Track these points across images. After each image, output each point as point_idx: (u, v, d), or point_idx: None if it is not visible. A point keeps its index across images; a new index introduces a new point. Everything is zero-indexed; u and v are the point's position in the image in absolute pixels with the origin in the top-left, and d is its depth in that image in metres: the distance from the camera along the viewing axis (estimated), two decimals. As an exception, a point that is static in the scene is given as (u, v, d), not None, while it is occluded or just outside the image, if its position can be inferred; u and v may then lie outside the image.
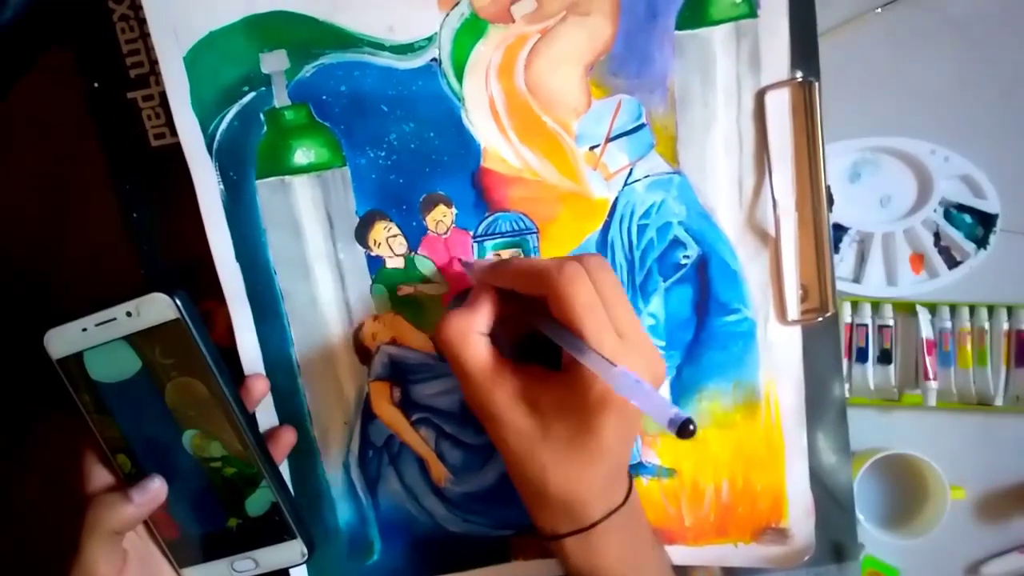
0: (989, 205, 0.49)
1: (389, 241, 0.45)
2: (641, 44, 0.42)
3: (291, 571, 0.48)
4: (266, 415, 0.47)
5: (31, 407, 0.50)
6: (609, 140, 0.43)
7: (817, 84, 0.42)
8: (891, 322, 0.50)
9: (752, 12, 0.42)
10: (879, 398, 0.51)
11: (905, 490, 0.52)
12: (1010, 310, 0.50)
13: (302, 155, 0.44)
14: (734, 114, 0.43)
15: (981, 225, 0.49)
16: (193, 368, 0.40)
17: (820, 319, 0.45)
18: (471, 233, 0.45)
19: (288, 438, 0.46)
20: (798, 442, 0.47)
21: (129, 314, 0.39)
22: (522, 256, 0.45)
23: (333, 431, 0.47)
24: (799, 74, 0.42)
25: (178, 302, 0.39)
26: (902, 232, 0.49)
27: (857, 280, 0.50)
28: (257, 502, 0.43)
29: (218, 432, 0.41)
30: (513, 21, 0.42)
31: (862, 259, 0.50)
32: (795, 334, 0.46)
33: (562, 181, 0.44)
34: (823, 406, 0.47)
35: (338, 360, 0.47)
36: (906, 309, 0.50)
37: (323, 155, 0.44)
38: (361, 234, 0.45)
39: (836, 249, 0.48)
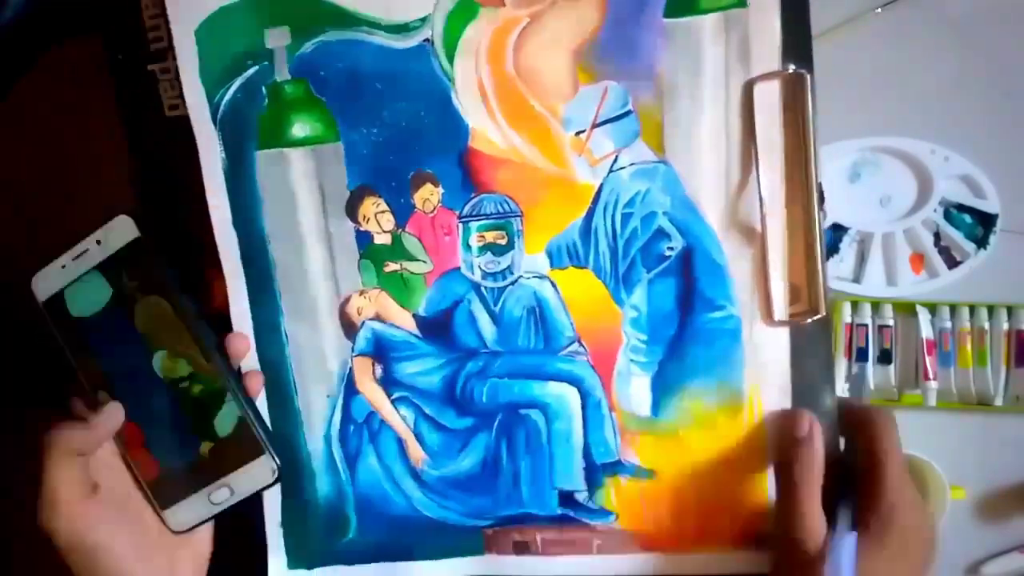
0: (989, 205, 0.48)
1: (377, 217, 0.46)
2: (629, 31, 0.42)
3: (270, 554, 0.49)
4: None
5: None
6: (595, 126, 0.44)
7: (809, 77, 0.41)
8: (891, 322, 0.50)
9: (742, 2, 0.41)
10: (879, 398, 0.50)
11: None
12: (1010, 310, 0.49)
13: (299, 128, 0.45)
14: (722, 105, 0.43)
15: (981, 225, 0.48)
16: (156, 285, 0.43)
17: (809, 321, 0.43)
18: (457, 213, 0.46)
19: (240, 344, 0.46)
20: (783, 449, 0.45)
21: (99, 242, 0.42)
22: (505, 237, 0.45)
23: (316, 403, 0.48)
24: (791, 66, 0.42)
25: (137, 222, 0.42)
26: (902, 232, 0.49)
27: (857, 280, 0.49)
28: (225, 419, 0.44)
29: (184, 349, 0.44)
30: (503, 4, 0.43)
31: (862, 259, 0.49)
32: (783, 336, 0.44)
33: (548, 165, 0.44)
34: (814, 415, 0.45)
35: (324, 333, 0.48)
36: (906, 309, 0.49)
37: (318, 129, 0.45)
38: (351, 208, 0.46)
39: (836, 249, 0.48)
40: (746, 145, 0.43)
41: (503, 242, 0.46)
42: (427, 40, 0.43)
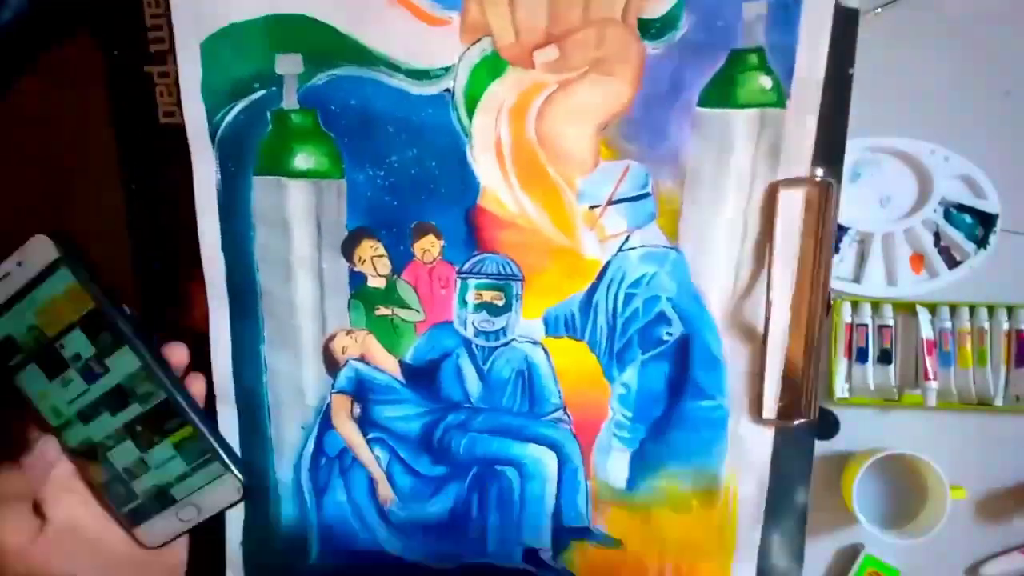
0: (989, 205, 0.48)
1: (374, 260, 0.44)
2: (659, 114, 0.40)
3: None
4: (227, 409, 0.47)
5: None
6: (611, 203, 0.42)
7: (836, 186, 0.40)
8: (891, 322, 0.50)
9: (780, 102, 0.40)
10: (879, 398, 0.50)
11: (905, 490, 0.51)
12: (1010, 310, 0.49)
13: (302, 160, 0.43)
14: (743, 202, 0.41)
15: (981, 225, 0.48)
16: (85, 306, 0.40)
17: (797, 423, 0.43)
18: (456, 268, 0.44)
19: (179, 354, 0.44)
20: (750, 540, 0.46)
21: (20, 264, 0.40)
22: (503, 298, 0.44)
23: (289, 433, 0.47)
24: (819, 172, 0.40)
25: (59, 241, 0.39)
26: (902, 232, 0.49)
27: (857, 280, 0.49)
28: (182, 438, 0.43)
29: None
30: (533, 67, 0.40)
31: (862, 259, 0.49)
32: (767, 433, 0.44)
33: (556, 234, 0.43)
34: (785, 510, 0.45)
35: (305, 366, 0.46)
36: (906, 309, 0.50)
37: (323, 164, 0.43)
38: (347, 248, 0.44)
39: (836, 249, 0.48)
40: (761, 245, 0.42)
41: (500, 303, 0.44)
42: (448, 90, 0.41)
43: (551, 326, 0.44)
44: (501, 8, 0.39)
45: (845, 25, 0.40)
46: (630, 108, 0.41)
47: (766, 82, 0.40)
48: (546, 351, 0.45)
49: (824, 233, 0.41)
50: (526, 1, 0.39)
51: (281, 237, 0.44)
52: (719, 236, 0.42)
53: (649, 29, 0.40)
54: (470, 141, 0.42)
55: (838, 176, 0.40)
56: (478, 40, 0.40)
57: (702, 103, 0.40)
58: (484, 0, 0.39)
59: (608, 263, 0.43)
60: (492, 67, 0.41)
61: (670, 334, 0.44)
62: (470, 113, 0.41)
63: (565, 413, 0.46)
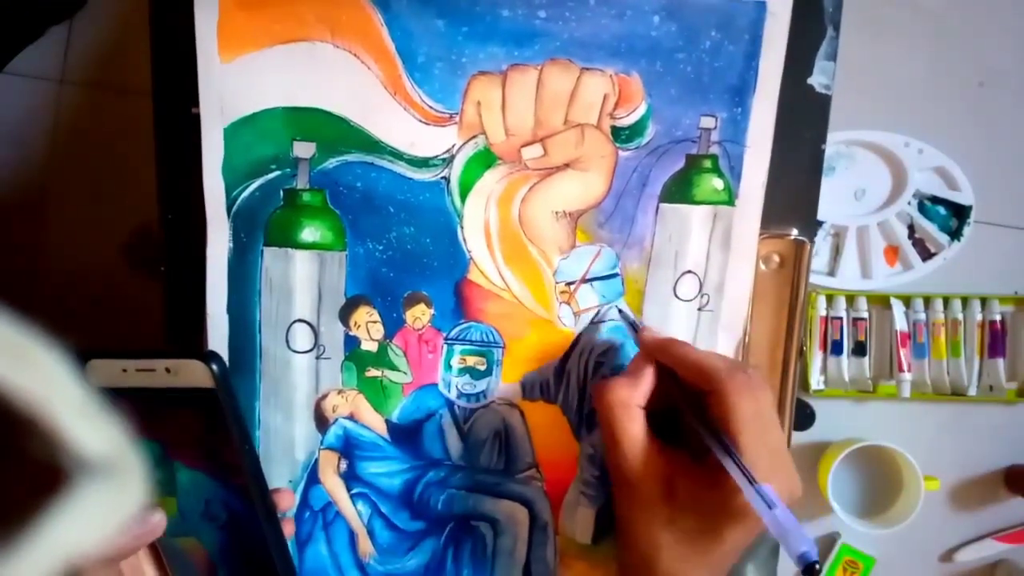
0: (963, 197, 0.48)
1: (368, 326, 0.49)
2: (628, 206, 0.47)
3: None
4: (218, 459, 0.49)
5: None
6: (584, 281, 0.48)
7: (810, 246, 0.46)
8: (865, 315, 0.49)
9: (731, 200, 0.47)
10: (854, 390, 0.49)
11: (880, 480, 0.51)
12: (984, 301, 0.49)
13: (309, 233, 0.48)
14: (699, 283, 0.47)
15: (955, 217, 0.48)
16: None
17: None
18: (444, 334, 0.49)
19: (285, 501, 0.45)
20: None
21: (168, 370, 0.39)
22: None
23: (278, 486, 0.50)
24: (794, 232, 0.47)
25: (215, 370, 0.38)
26: (876, 225, 0.48)
27: (832, 273, 0.49)
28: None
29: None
30: (521, 161, 0.46)
31: (837, 252, 0.49)
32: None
33: (535, 307, 0.48)
34: (759, 541, 0.49)
35: (297, 423, 0.50)
36: (880, 302, 0.49)
37: (327, 237, 0.48)
38: (345, 314, 0.49)
39: (811, 243, 0.48)
40: (712, 322, 0.48)
41: (482, 368, 0.49)
42: (444, 177, 0.47)
43: (527, 390, 0.49)
44: (494, 112, 0.46)
45: (819, 108, 0.46)
46: (603, 200, 0.47)
47: (718, 184, 0.47)
48: (522, 413, 0.49)
49: (798, 284, 0.46)
50: (516, 107, 0.46)
51: (285, 302, 0.48)
52: (677, 312, 0.48)
53: (620, 135, 0.46)
54: (461, 222, 0.47)
55: (811, 235, 0.46)
56: (473, 137, 0.46)
57: (664, 199, 0.47)
58: (480, 104, 0.46)
59: (580, 334, 0.48)
60: (484, 160, 0.47)
61: (634, 399, 0.49)
62: (463, 198, 0.47)
63: (538, 471, 0.50)
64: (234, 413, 0.40)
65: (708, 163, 0.46)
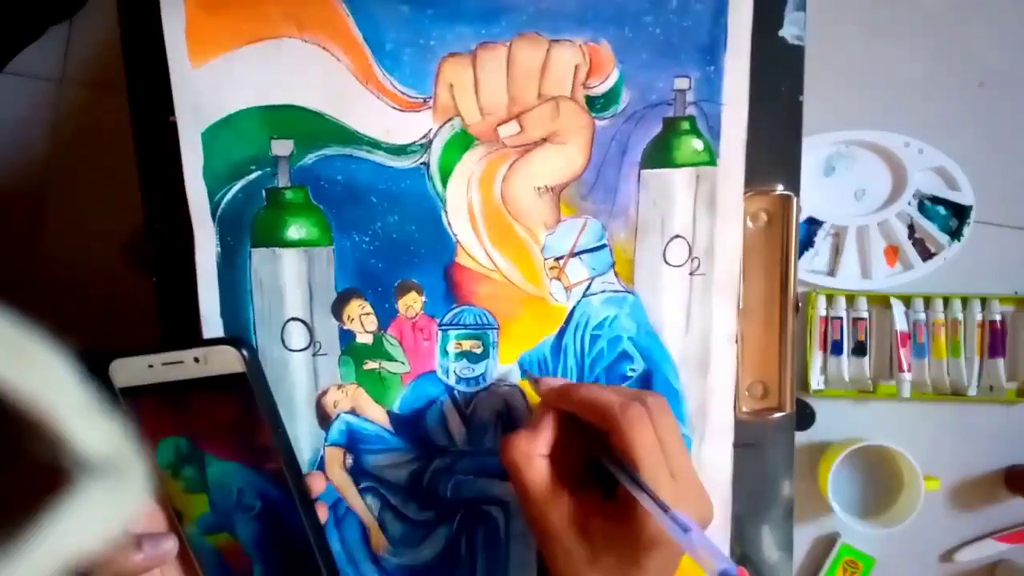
0: (963, 197, 0.48)
1: (361, 318, 0.49)
2: (609, 175, 0.46)
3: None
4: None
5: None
6: (572, 255, 0.48)
7: (796, 199, 0.46)
8: (865, 315, 0.50)
9: (712, 161, 0.46)
10: (854, 390, 0.50)
11: (880, 481, 0.51)
12: (984, 301, 0.49)
13: (295, 231, 0.48)
14: (688, 246, 0.47)
15: (955, 217, 0.48)
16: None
17: (776, 416, 0.48)
18: (437, 320, 0.49)
19: (317, 484, 0.45)
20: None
21: (197, 360, 0.39)
22: (486, 356, 0.48)
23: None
24: (779, 187, 0.46)
25: (245, 354, 0.39)
26: (876, 225, 0.49)
27: (832, 273, 0.50)
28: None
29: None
30: (498, 140, 0.46)
31: (837, 252, 0.50)
32: (727, 456, 0.49)
33: (526, 285, 0.48)
34: (772, 503, 0.49)
35: (299, 421, 0.50)
36: (880, 302, 0.50)
37: (313, 233, 0.48)
38: (337, 308, 0.49)
39: (811, 243, 0.48)
40: (706, 284, 0.47)
41: (479, 351, 0.49)
42: (424, 163, 0.47)
43: (526, 369, 0.49)
44: (467, 93, 0.46)
45: (793, 60, 0.46)
46: (584, 171, 0.47)
47: (698, 144, 0.46)
48: (522, 393, 0.49)
49: (787, 239, 0.46)
50: (488, 86, 0.46)
51: (276, 302, 0.49)
52: (669, 278, 0.47)
53: (595, 105, 0.46)
54: (445, 207, 0.47)
55: (796, 189, 0.46)
56: (449, 120, 0.46)
57: (645, 165, 0.47)
58: (453, 87, 0.46)
59: (573, 309, 0.48)
60: (462, 142, 0.46)
61: (633, 370, 0.49)
62: (444, 182, 0.47)
63: (543, 450, 0.50)
64: (265, 395, 0.40)
65: (686, 125, 0.46)
